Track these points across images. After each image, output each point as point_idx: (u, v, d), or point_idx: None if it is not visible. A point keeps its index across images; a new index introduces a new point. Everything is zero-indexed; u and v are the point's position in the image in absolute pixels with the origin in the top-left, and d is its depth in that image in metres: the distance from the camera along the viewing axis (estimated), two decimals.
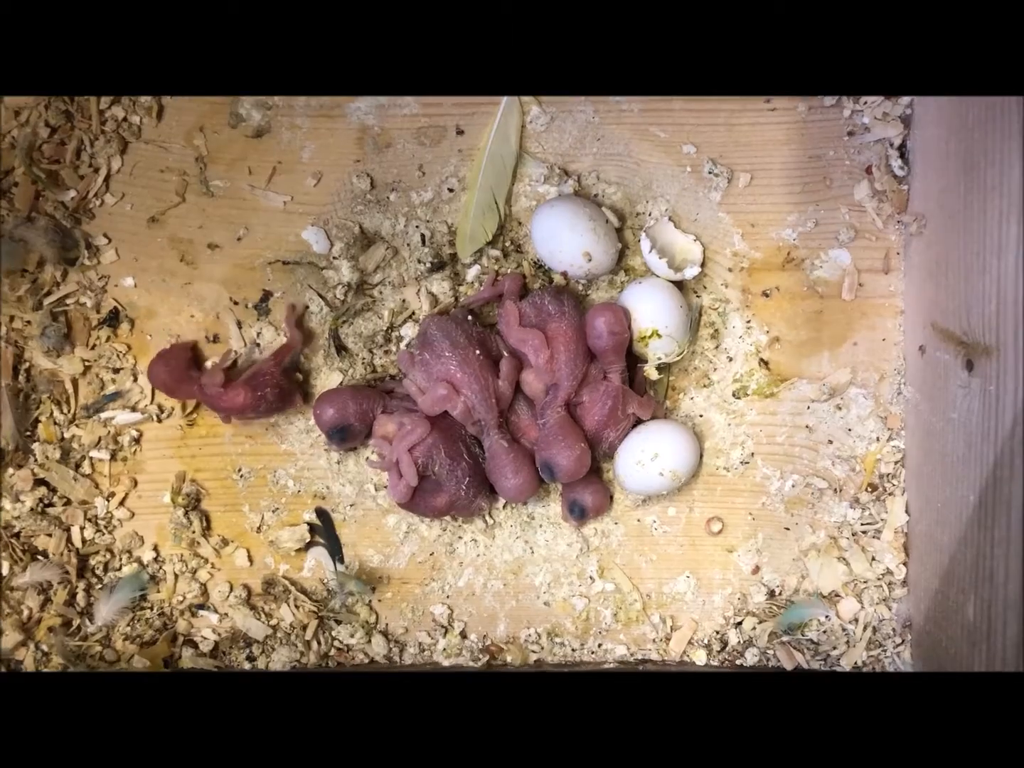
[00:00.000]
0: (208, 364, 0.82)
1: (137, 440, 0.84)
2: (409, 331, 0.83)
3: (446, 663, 0.82)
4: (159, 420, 0.83)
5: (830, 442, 0.82)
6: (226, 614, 0.83)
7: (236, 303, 0.83)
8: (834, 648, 0.81)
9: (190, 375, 0.80)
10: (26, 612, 0.81)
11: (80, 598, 0.82)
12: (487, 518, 0.83)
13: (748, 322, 0.82)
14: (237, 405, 0.79)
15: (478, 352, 0.78)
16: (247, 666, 0.83)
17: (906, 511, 0.80)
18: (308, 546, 0.83)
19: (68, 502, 0.83)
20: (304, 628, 0.83)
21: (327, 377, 0.83)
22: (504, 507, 0.83)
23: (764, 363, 0.82)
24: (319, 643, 0.83)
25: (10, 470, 0.82)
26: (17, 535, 0.82)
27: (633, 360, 0.80)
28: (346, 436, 0.79)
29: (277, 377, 0.80)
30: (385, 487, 0.82)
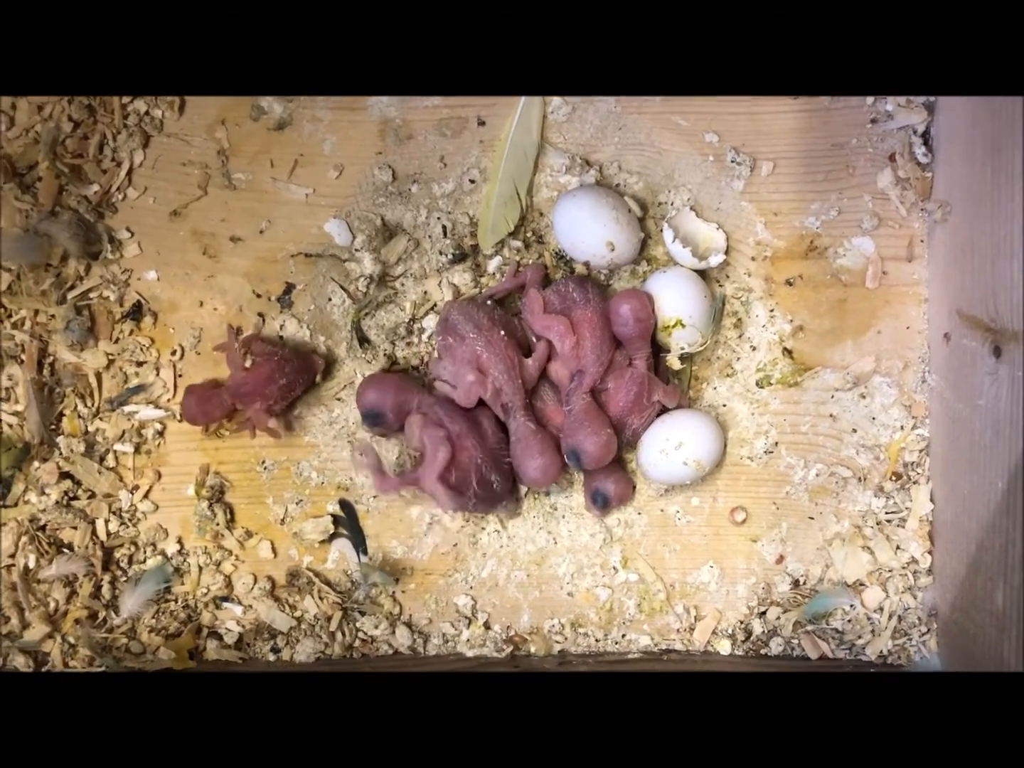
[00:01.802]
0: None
1: (161, 433, 0.84)
2: (431, 323, 0.83)
3: (470, 654, 0.83)
4: (180, 420, 0.83)
5: (854, 431, 0.82)
6: (250, 606, 0.83)
7: (259, 296, 0.83)
8: (859, 637, 0.81)
9: (216, 392, 0.81)
10: (52, 605, 0.81)
11: (105, 591, 0.82)
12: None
13: (771, 311, 0.82)
14: (264, 375, 0.79)
15: (502, 332, 0.78)
16: (271, 658, 0.83)
17: (931, 499, 0.80)
18: (332, 538, 0.84)
19: (93, 495, 0.83)
20: (328, 619, 0.83)
21: (350, 368, 0.83)
22: (527, 494, 0.83)
23: (788, 352, 0.82)
24: (343, 634, 0.83)
25: (35, 463, 0.82)
26: (43, 528, 0.82)
27: (657, 349, 0.80)
28: (378, 422, 0.79)
29: (286, 349, 0.80)
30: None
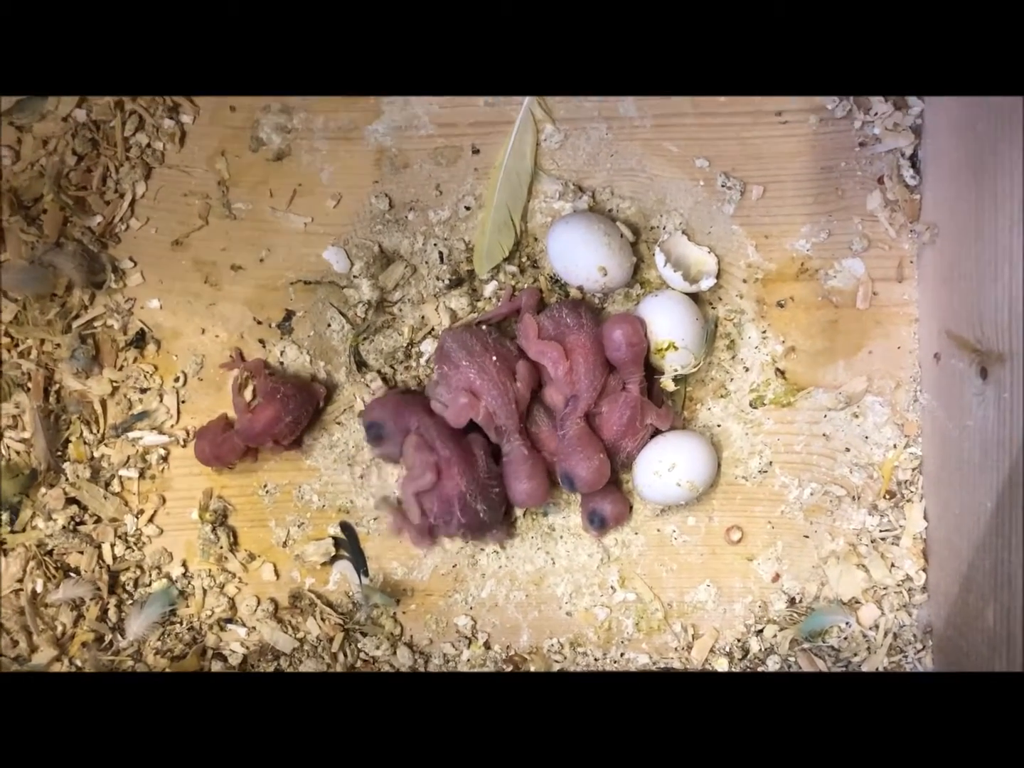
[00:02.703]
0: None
1: (165, 458, 0.85)
2: (428, 346, 0.84)
3: None
4: (184, 445, 0.85)
5: (847, 450, 0.82)
6: (254, 628, 0.85)
7: (259, 322, 0.85)
8: (855, 655, 0.81)
9: (228, 436, 0.82)
10: (60, 628, 0.83)
11: (112, 614, 0.84)
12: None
13: (764, 332, 0.83)
14: (270, 416, 0.80)
15: (494, 358, 0.79)
16: None
17: (924, 517, 0.81)
18: (333, 560, 0.85)
19: (99, 520, 0.85)
20: (330, 641, 0.84)
21: (349, 393, 0.85)
22: (524, 516, 0.84)
23: (780, 373, 0.83)
24: (345, 655, 0.84)
25: (42, 490, 0.84)
26: (50, 553, 0.84)
27: (650, 371, 0.81)
28: (378, 437, 0.81)
29: (284, 382, 0.82)
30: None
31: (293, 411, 0.81)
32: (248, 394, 0.84)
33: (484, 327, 0.82)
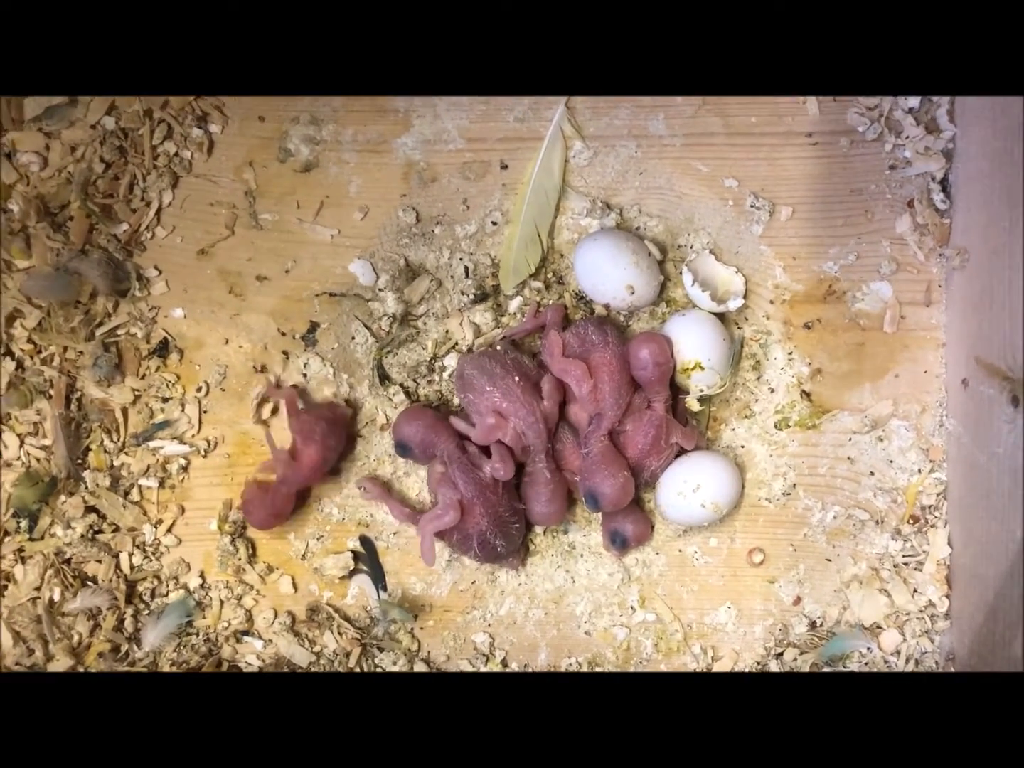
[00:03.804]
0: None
1: (185, 468, 0.85)
2: (452, 361, 0.84)
3: None
4: (205, 455, 0.85)
5: (872, 473, 0.82)
6: (270, 640, 0.84)
7: (283, 334, 0.85)
8: None
9: (272, 491, 0.81)
10: (76, 637, 0.82)
11: (128, 624, 0.83)
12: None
13: (790, 354, 0.83)
14: (314, 459, 0.80)
15: (517, 379, 0.78)
16: None
17: (948, 543, 0.80)
18: (352, 574, 0.84)
19: (117, 529, 0.84)
20: (347, 655, 0.83)
21: (371, 406, 0.84)
22: (544, 534, 0.84)
23: (806, 395, 0.82)
24: (362, 670, 0.83)
25: (62, 497, 0.83)
26: (68, 561, 0.83)
27: (676, 391, 0.81)
28: (404, 453, 0.81)
29: (316, 419, 0.81)
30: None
31: (333, 446, 0.81)
32: (268, 411, 0.84)
33: (500, 347, 0.81)
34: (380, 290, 0.84)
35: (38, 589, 0.82)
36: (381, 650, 0.84)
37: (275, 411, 0.84)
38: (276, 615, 0.84)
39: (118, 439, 0.85)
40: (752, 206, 0.82)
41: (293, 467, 0.81)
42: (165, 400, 0.85)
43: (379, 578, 0.84)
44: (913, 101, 0.80)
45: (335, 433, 0.81)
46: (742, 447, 0.83)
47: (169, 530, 0.85)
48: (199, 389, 0.85)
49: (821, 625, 0.82)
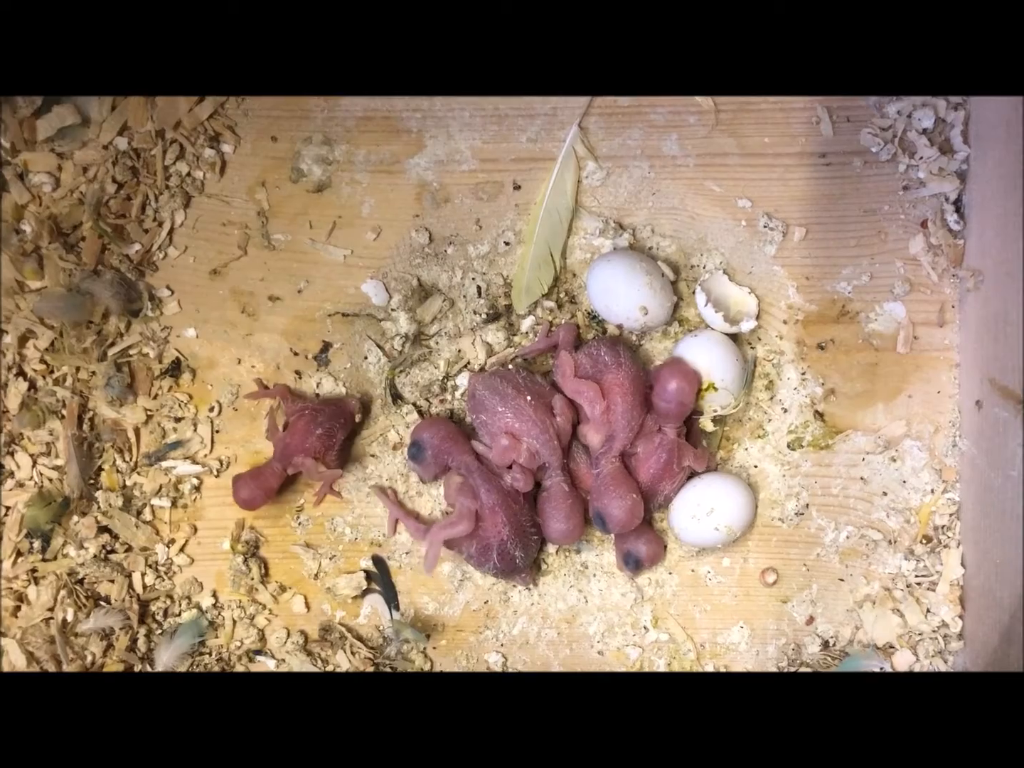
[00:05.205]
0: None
1: (197, 488, 0.85)
2: (464, 380, 0.84)
3: None
4: (217, 475, 0.85)
5: (885, 494, 0.82)
6: (283, 660, 0.84)
7: (296, 354, 0.85)
8: None
9: (265, 467, 0.82)
10: (89, 658, 0.82)
11: (141, 643, 0.83)
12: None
13: (803, 374, 0.83)
14: (300, 431, 0.80)
15: (529, 398, 0.78)
16: None
17: (962, 564, 0.80)
18: (364, 593, 0.84)
19: (130, 549, 0.84)
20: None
21: (384, 425, 0.84)
22: (557, 553, 0.84)
23: (819, 415, 0.82)
24: None
25: (75, 518, 0.83)
26: (81, 581, 0.83)
27: (690, 412, 0.81)
28: (417, 454, 0.80)
29: (315, 401, 0.82)
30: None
31: (323, 423, 0.81)
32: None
33: (511, 366, 0.81)
34: (393, 310, 0.84)
35: (51, 609, 0.82)
36: (394, 670, 0.84)
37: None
38: (288, 634, 0.84)
39: (130, 459, 0.85)
40: (765, 226, 0.82)
41: (281, 441, 0.81)
42: (177, 420, 0.85)
43: (391, 598, 0.84)
44: (927, 122, 0.80)
45: (328, 414, 0.81)
46: (755, 467, 0.83)
47: (182, 550, 0.85)
48: (211, 409, 0.85)
49: (834, 645, 0.82)
